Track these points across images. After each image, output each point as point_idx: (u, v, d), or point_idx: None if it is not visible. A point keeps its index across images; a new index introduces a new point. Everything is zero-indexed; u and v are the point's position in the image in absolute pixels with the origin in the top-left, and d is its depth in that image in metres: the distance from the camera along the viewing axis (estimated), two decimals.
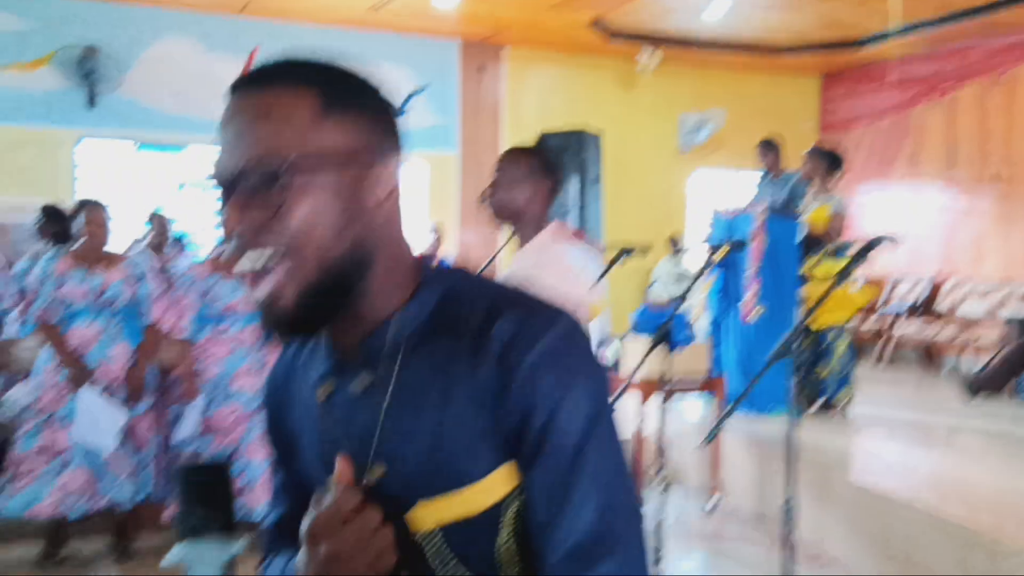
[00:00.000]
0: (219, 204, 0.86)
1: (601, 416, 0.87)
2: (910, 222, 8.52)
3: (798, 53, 9.05)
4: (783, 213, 5.79)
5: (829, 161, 5.96)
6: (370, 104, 0.91)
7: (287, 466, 1.05)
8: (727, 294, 5.90)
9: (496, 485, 0.86)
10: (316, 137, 0.85)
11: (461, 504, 0.87)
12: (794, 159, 9.83)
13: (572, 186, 8.44)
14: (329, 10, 7.64)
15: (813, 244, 5.74)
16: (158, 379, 4.45)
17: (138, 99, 7.53)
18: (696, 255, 7.94)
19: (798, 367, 5.75)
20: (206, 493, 0.78)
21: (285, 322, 0.86)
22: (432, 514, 0.88)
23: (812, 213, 5.83)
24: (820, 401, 5.78)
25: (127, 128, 7.55)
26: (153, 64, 7.56)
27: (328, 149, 0.85)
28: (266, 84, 0.87)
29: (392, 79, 8.12)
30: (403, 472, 0.89)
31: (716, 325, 5.90)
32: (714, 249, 5.71)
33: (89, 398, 4.03)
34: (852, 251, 2.61)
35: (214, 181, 0.86)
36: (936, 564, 3.56)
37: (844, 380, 5.75)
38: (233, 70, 7.74)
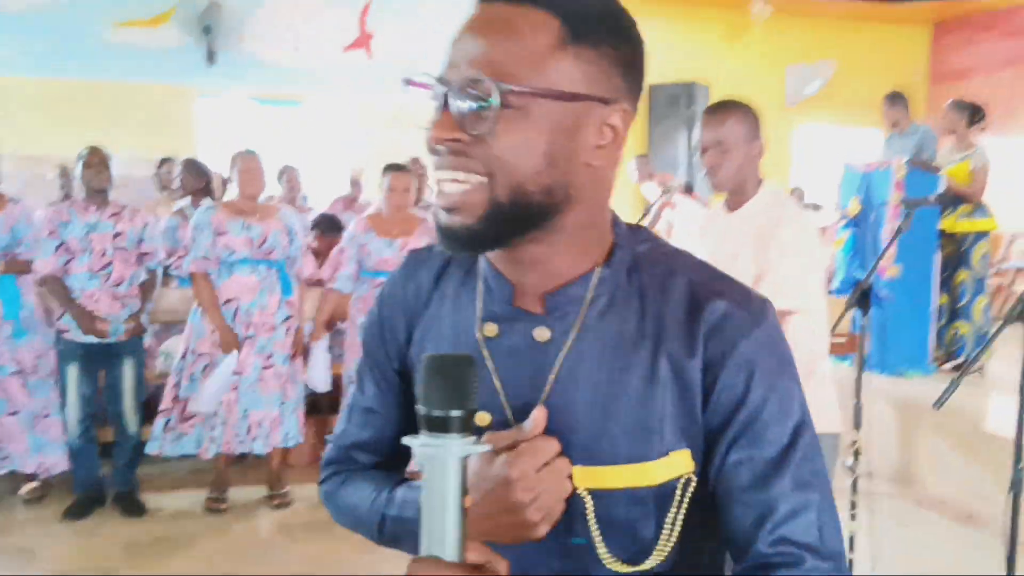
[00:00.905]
0: (435, 109, 0.83)
1: (806, 416, 0.86)
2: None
3: (910, 1, 8.73)
4: (923, 167, 5.63)
5: (970, 113, 5.76)
6: (616, 45, 0.84)
7: (392, 388, 1.00)
8: (858, 252, 5.78)
9: (662, 469, 0.84)
10: (547, 67, 0.80)
11: (618, 477, 0.83)
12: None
13: (682, 139, 8.33)
14: None
15: (953, 199, 5.58)
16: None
17: (256, 54, 7.60)
18: (822, 211, 7.79)
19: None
20: (453, 384, 0.74)
21: (463, 236, 0.83)
22: (585, 478, 0.84)
23: (953, 167, 5.66)
24: (959, 359, 5.67)
25: (246, 83, 7.63)
26: (270, 18, 7.61)
27: (555, 83, 0.80)
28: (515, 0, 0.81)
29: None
30: (564, 433, 0.84)
31: (849, 284, 5.79)
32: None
33: (228, 365, 4.11)
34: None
35: (436, 84, 0.83)
36: None
37: (983, 337, 5.62)
38: (350, 23, 7.82)
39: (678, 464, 0.85)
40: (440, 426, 0.73)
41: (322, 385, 4.40)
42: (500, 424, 0.87)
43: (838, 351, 5.23)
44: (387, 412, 1.01)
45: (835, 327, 3.26)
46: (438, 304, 0.95)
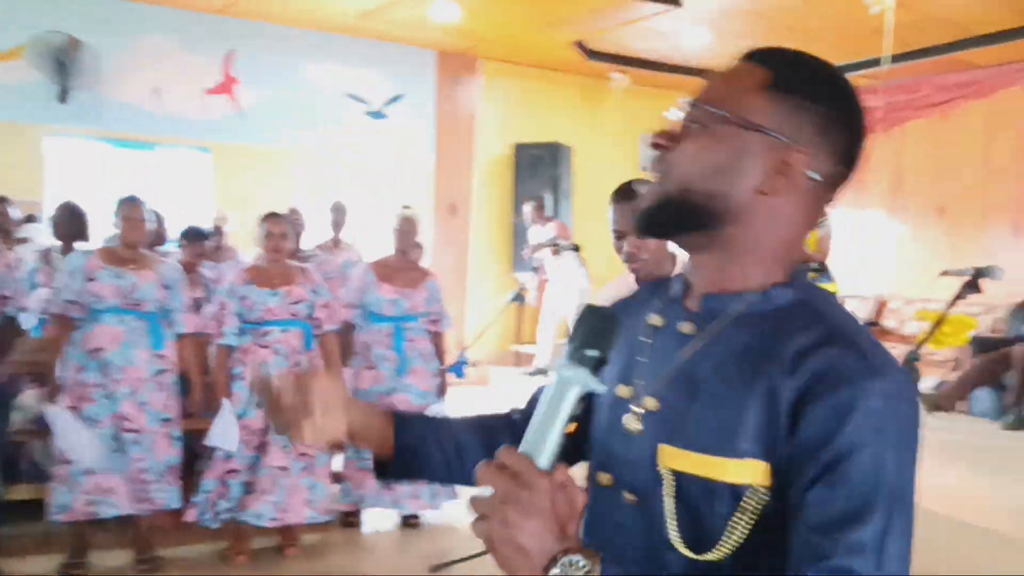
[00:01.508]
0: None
1: (904, 493, 0.87)
2: (856, 245, 8.96)
3: None
4: None
5: None
6: (815, 100, 0.97)
7: None
8: None
9: (736, 470, 0.91)
10: (745, 104, 0.97)
11: (703, 466, 0.93)
12: None
13: (547, 198, 8.58)
14: (309, 13, 7.58)
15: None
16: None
17: (112, 94, 7.29)
18: None
19: None
20: (598, 332, 0.88)
21: (644, 217, 1.03)
22: (676, 458, 0.95)
23: None
24: None
25: (100, 124, 7.29)
26: (129, 60, 7.34)
27: (746, 116, 0.96)
28: (748, 58, 1.02)
29: (370, 87, 7.99)
30: (672, 416, 0.97)
31: None
32: None
33: (58, 416, 3.89)
34: (961, 280, 2.77)
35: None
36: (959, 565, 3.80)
37: None
38: (210, 70, 7.64)
39: (752, 472, 0.91)
40: (576, 359, 0.87)
41: (226, 444, 4.18)
42: (635, 398, 1.01)
43: None
44: None
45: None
46: (643, 301, 1.12)
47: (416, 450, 1.18)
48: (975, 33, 7.37)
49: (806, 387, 0.89)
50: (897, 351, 8.45)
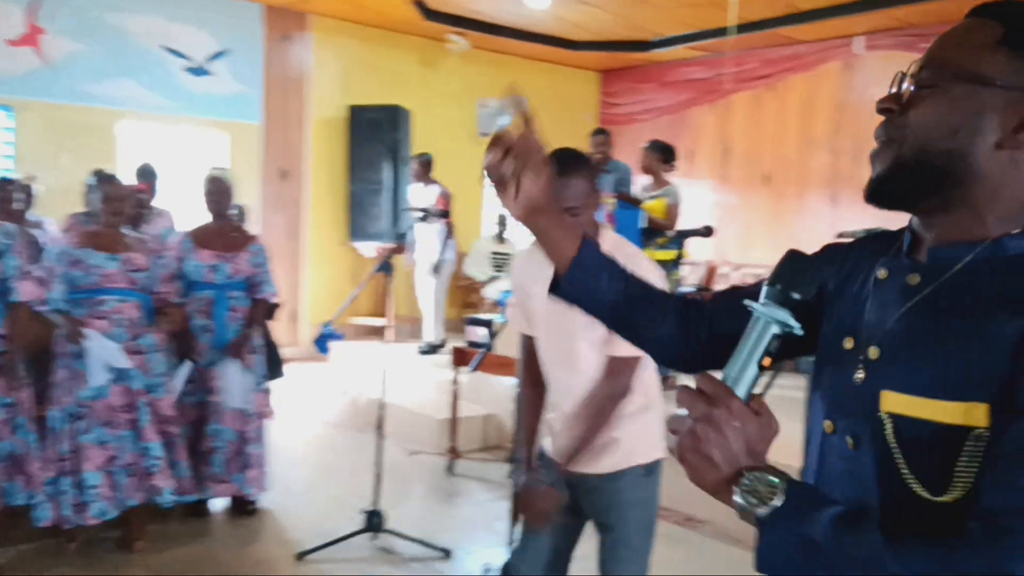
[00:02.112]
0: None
1: None
2: (688, 213, 9.26)
3: (584, 49, 9.48)
4: (628, 202, 6.10)
5: (664, 154, 6.36)
6: None
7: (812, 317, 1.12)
8: None
9: (961, 412, 0.91)
10: (979, 61, 0.96)
11: (923, 408, 0.94)
12: (577, 148, 10.39)
13: (386, 164, 8.28)
14: None
15: (652, 232, 6.11)
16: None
17: None
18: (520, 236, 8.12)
19: None
20: (799, 274, 0.97)
21: (874, 186, 1.03)
22: (898, 403, 0.97)
23: (652, 203, 6.19)
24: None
25: None
26: None
27: (981, 73, 0.96)
28: (977, 13, 1.00)
29: (191, 42, 7.40)
30: (894, 363, 0.99)
31: None
32: None
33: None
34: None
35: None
36: None
37: None
38: (12, 19, 6.80)
39: (974, 415, 0.91)
40: (777, 298, 0.95)
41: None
42: (858, 348, 1.03)
43: None
44: (729, 314, 1.19)
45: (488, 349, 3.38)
46: (869, 258, 1.11)
47: (592, 275, 1.23)
48: (800, 9, 7.71)
49: None
50: None
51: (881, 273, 1.06)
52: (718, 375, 0.98)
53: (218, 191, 4.40)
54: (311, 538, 4.12)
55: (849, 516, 0.90)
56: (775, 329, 0.95)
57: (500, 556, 3.80)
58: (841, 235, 2.83)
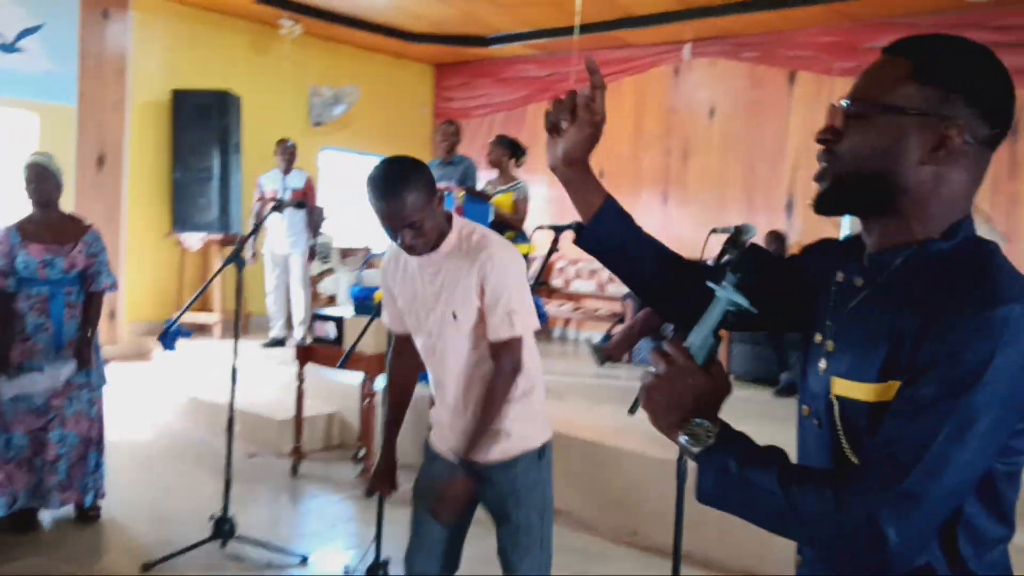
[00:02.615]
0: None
1: (966, 390, 0.99)
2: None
3: (421, 41, 9.40)
4: (477, 196, 6.08)
5: (512, 149, 6.39)
6: (960, 80, 1.09)
7: (775, 300, 1.33)
8: None
9: (882, 391, 1.08)
10: (894, 93, 1.10)
11: (857, 390, 1.11)
12: (413, 142, 10.30)
13: (214, 152, 7.87)
14: None
15: (500, 227, 6.12)
16: None
17: None
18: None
19: None
20: (745, 262, 1.17)
21: (821, 200, 1.18)
22: (842, 387, 1.14)
23: (500, 197, 6.21)
24: None
25: None
26: None
27: (897, 104, 1.10)
28: (888, 51, 1.14)
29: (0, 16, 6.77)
30: (842, 354, 1.16)
31: None
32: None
33: None
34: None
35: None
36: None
37: None
38: None
39: (890, 392, 1.07)
40: (732, 282, 1.14)
41: None
42: (823, 342, 1.20)
43: None
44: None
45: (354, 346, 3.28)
46: (838, 264, 1.26)
47: (613, 229, 1.38)
48: (634, 14, 7.97)
49: (927, 318, 1.03)
50: (564, 308, 9.00)
51: (839, 276, 1.24)
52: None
53: (40, 178, 4.02)
54: (157, 548, 3.84)
55: (761, 453, 1.10)
56: (723, 305, 1.14)
57: (360, 558, 3.70)
58: (714, 230, 2.91)
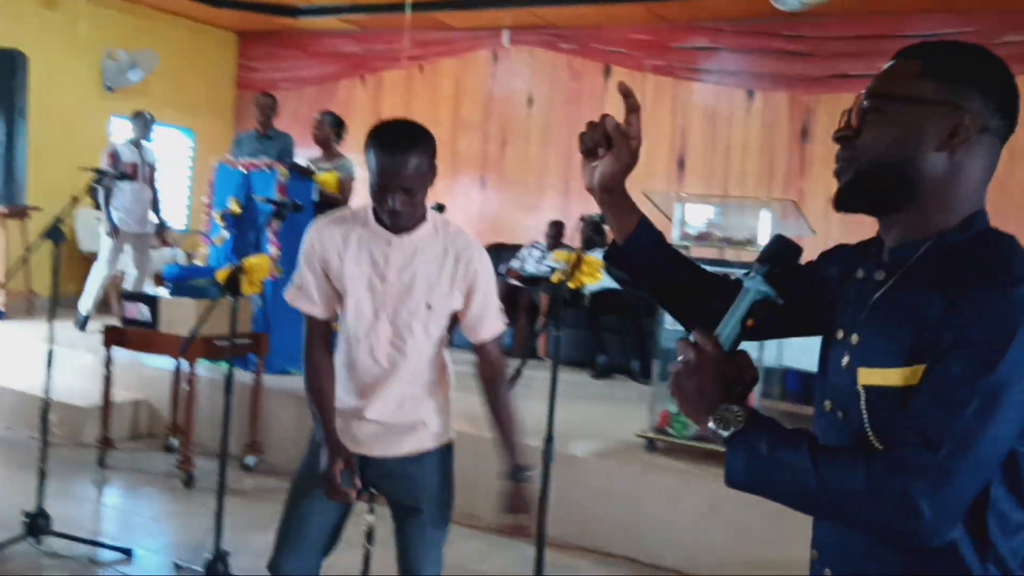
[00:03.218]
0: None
1: (990, 366, 1.04)
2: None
3: (224, 6, 8.91)
4: (300, 172, 5.86)
5: (337, 126, 6.21)
6: (972, 77, 1.17)
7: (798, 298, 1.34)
8: (239, 252, 5.74)
9: (909, 374, 1.11)
10: (908, 87, 1.18)
11: (884, 376, 1.15)
12: (215, 113, 9.78)
13: None
14: None
15: (325, 206, 5.93)
16: None
17: None
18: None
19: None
20: (777, 253, 1.20)
21: (843, 196, 1.23)
22: (870, 376, 1.17)
23: (324, 175, 6.02)
24: None
25: None
26: None
27: (907, 97, 1.17)
28: (899, 56, 1.23)
29: None
30: (866, 345, 1.20)
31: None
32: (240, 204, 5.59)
33: None
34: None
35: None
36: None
37: None
38: None
39: (917, 375, 1.10)
40: (761, 272, 1.18)
41: None
42: (846, 337, 1.23)
43: (240, 352, 5.14)
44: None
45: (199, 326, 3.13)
46: (857, 262, 1.31)
47: (645, 249, 1.43)
48: None
49: (950, 299, 1.08)
50: None
51: (859, 273, 1.28)
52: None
53: None
54: None
55: (790, 433, 1.12)
56: (752, 296, 1.18)
57: (193, 552, 3.50)
58: (582, 217, 2.99)
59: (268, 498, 4.56)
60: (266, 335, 5.12)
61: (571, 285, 2.89)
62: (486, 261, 2.30)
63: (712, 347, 1.16)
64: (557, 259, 3.08)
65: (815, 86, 7.09)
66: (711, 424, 1.14)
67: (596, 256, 3.04)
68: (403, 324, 2.22)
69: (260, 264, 3.51)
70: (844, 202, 1.24)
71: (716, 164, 7.59)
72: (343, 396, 2.31)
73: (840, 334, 1.26)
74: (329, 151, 6.20)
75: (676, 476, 4.14)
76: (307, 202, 5.73)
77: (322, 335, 2.32)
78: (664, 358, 4.56)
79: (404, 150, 2.07)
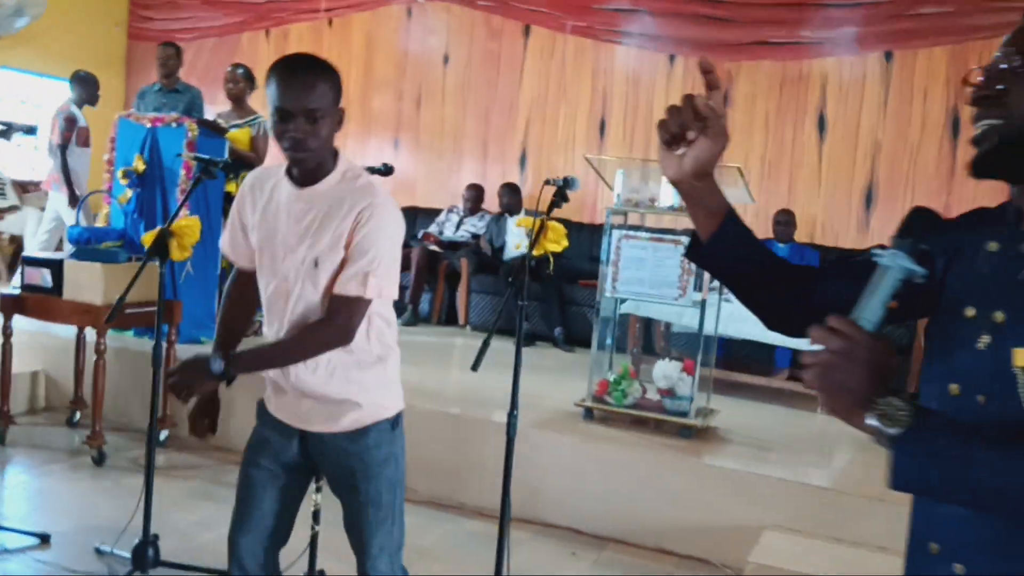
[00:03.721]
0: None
1: None
2: None
3: None
4: (210, 128, 5.51)
5: (250, 79, 5.88)
6: None
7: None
8: (145, 211, 5.38)
9: None
10: None
11: None
12: (105, 65, 9.17)
13: None
14: None
15: (237, 164, 5.61)
16: None
17: None
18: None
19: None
20: (921, 226, 1.13)
21: (984, 160, 1.13)
22: (1018, 358, 1.10)
23: (236, 132, 5.69)
24: None
25: None
26: None
27: None
28: None
29: None
30: (1020, 322, 1.11)
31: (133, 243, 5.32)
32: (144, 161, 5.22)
33: None
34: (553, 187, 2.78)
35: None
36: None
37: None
38: None
39: None
40: (904, 248, 1.06)
41: None
42: (981, 316, 1.13)
43: (139, 322, 4.84)
44: (831, 285, 1.32)
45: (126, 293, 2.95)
46: (977, 231, 1.20)
47: (730, 248, 1.30)
48: None
49: None
50: None
51: (992, 246, 1.17)
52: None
53: None
54: None
55: (959, 424, 1.05)
56: (895, 274, 1.06)
57: (118, 536, 3.25)
58: (546, 181, 2.80)
59: (184, 475, 4.33)
60: (180, 303, 4.82)
61: (535, 253, 2.75)
62: (384, 220, 2.07)
63: (863, 333, 1.03)
64: (520, 225, 2.94)
65: (736, 52, 7.11)
66: (872, 421, 1.02)
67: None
68: (294, 280, 2.09)
69: (191, 226, 3.26)
70: (986, 168, 1.14)
71: (638, 129, 7.54)
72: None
73: (970, 312, 1.16)
74: (241, 107, 5.87)
75: (615, 445, 4.11)
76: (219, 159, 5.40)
77: (246, 282, 2.22)
78: (604, 326, 4.51)
79: (306, 73, 2.00)
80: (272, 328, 2.15)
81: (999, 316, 1.12)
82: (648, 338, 5.99)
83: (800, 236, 6.61)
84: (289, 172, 2.09)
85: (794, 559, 3.38)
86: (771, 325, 1.40)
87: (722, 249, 1.31)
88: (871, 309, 1.06)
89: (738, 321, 4.75)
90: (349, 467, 2.17)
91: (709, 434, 4.35)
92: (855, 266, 1.24)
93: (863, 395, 1.02)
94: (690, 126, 1.22)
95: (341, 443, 2.16)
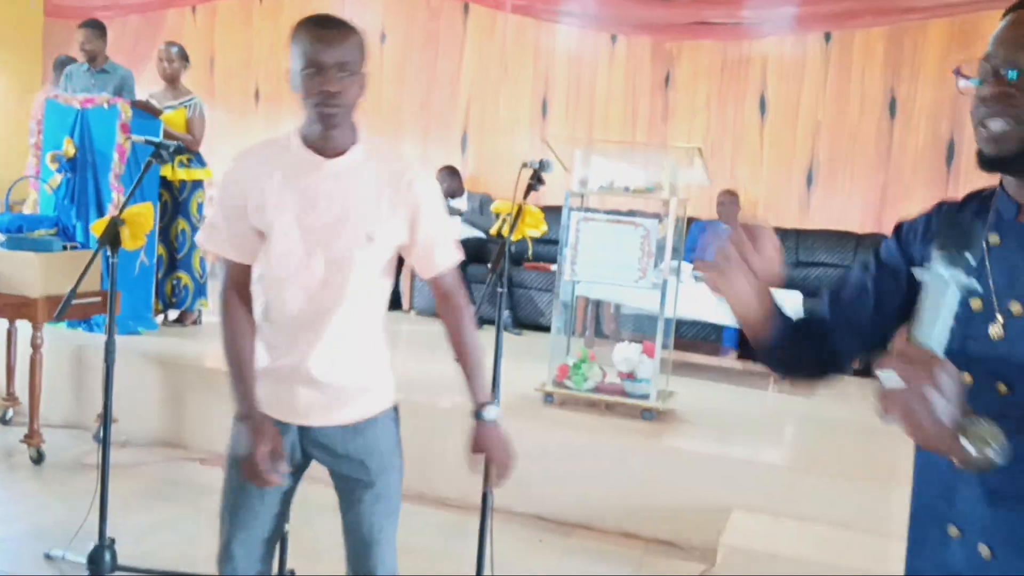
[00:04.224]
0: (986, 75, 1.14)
1: None
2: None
3: None
4: (145, 110, 5.27)
5: (184, 59, 5.64)
6: None
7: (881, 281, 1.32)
8: (77, 197, 5.13)
9: None
10: None
11: None
12: (21, 45, 8.73)
13: None
14: None
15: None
16: None
17: None
18: None
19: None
20: (964, 235, 1.05)
21: (1000, 158, 1.13)
22: None
23: (171, 114, 5.46)
24: (182, 310, 5.61)
25: None
26: None
27: None
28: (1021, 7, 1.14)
29: None
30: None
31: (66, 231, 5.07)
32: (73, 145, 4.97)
33: None
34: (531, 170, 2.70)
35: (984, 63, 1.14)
36: None
37: (202, 288, 5.65)
38: None
39: None
40: (954, 261, 1.03)
41: None
42: (990, 308, 1.16)
43: (86, 313, 4.61)
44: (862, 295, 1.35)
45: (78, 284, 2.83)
46: (969, 221, 1.16)
47: (786, 346, 1.32)
48: None
49: None
50: None
51: (993, 239, 1.19)
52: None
53: None
54: None
55: None
56: (954, 289, 1.03)
57: (70, 540, 3.09)
58: (524, 164, 2.73)
59: (131, 473, 4.15)
60: (119, 293, 4.60)
61: (514, 238, 2.68)
62: (432, 184, 2.04)
63: (940, 361, 0.99)
64: (497, 210, 2.87)
65: (678, 32, 7.11)
66: (968, 446, 0.99)
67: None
68: (341, 259, 1.93)
69: (143, 214, 3.08)
70: (997, 165, 1.15)
71: (580, 109, 7.49)
72: (267, 354, 2.01)
73: (976, 304, 1.17)
74: (176, 87, 5.62)
75: (577, 430, 4.08)
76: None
77: (243, 283, 2.01)
78: (564, 312, 4.47)
79: (340, 26, 1.88)
80: (295, 316, 1.97)
81: (1016, 307, 1.15)
82: (597, 321, 5.98)
83: (743, 216, 6.68)
84: (307, 143, 1.92)
85: (765, 539, 3.40)
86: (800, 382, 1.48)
87: (770, 354, 1.35)
88: (939, 331, 1.02)
89: (688, 301, 4.76)
90: (359, 460, 2.06)
91: (669, 416, 4.35)
92: (848, 292, 1.34)
93: (952, 422, 0.99)
94: (746, 256, 1.22)
95: (348, 435, 2.04)
